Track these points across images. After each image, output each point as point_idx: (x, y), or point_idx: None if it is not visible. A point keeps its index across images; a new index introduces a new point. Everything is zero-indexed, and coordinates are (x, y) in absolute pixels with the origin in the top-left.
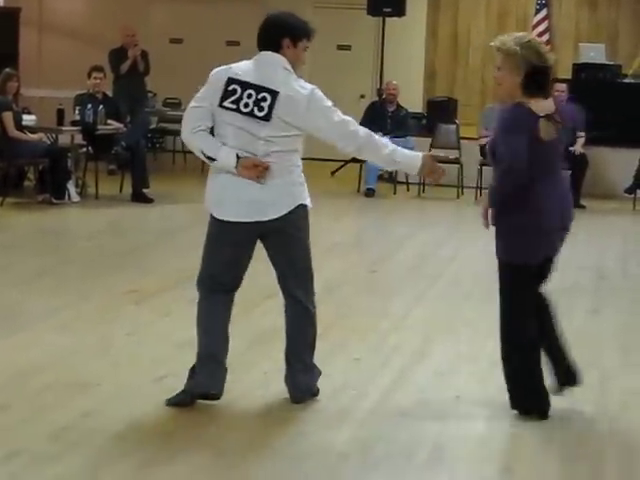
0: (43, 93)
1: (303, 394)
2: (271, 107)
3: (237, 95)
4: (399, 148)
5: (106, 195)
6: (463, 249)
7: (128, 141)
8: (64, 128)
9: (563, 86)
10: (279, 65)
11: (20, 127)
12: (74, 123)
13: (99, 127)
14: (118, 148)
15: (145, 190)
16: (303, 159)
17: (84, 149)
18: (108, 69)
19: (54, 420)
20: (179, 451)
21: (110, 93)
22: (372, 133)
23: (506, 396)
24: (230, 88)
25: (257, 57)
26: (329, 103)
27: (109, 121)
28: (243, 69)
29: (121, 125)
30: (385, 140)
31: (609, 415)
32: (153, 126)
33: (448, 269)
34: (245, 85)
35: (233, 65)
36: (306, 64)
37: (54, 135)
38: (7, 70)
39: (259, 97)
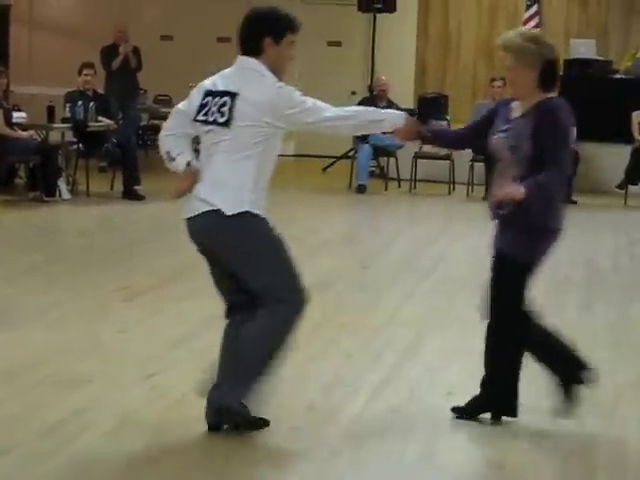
0: (34, 90)
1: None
2: (231, 110)
3: (208, 106)
4: (378, 110)
5: (97, 192)
6: (454, 245)
7: (119, 138)
8: (55, 125)
9: None
10: (250, 68)
11: (10, 124)
12: (65, 120)
13: (90, 124)
14: (109, 145)
15: (136, 187)
16: (294, 156)
17: (75, 146)
18: (99, 66)
19: (45, 417)
20: (169, 448)
21: (102, 90)
22: (346, 108)
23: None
24: (204, 101)
25: (236, 63)
26: (297, 99)
27: (100, 118)
28: (220, 78)
29: (112, 122)
30: (361, 108)
31: (601, 409)
32: (144, 123)
33: (440, 265)
34: (214, 94)
35: (217, 75)
36: (296, 59)
37: (45, 132)
38: None
39: (221, 102)
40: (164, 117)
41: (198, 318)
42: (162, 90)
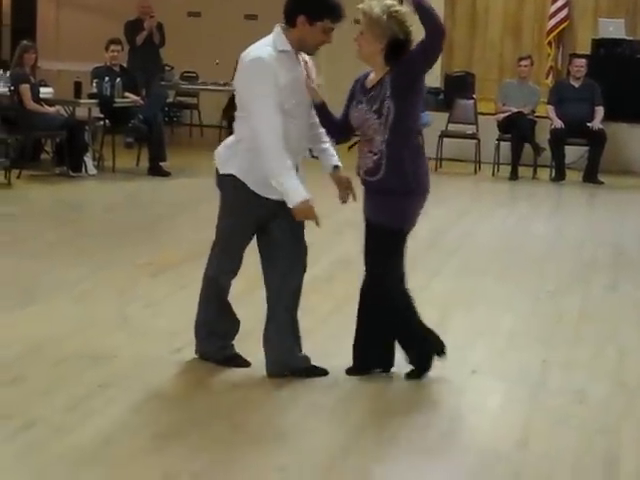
0: (61, 66)
1: None
2: (235, 69)
3: None
4: (291, 175)
5: (123, 168)
6: (480, 224)
7: (145, 114)
8: (81, 101)
9: (582, 61)
10: (271, 34)
11: (37, 100)
12: (91, 96)
13: (116, 100)
14: (135, 121)
15: (162, 163)
16: None
17: (101, 122)
18: (125, 41)
19: (71, 391)
20: (195, 423)
21: (126, 65)
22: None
23: (523, 370)
24: None
25: None
26: (254, 81)
27: (126, 94)
28: None
29: (138, 98)
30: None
31: (626, 389)
32: (170, 100)
33: (465, 244)
34: None
35: None
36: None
37: (71, 108)
38: (24, 42)
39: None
40: (190, 94)
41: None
42: (189, 67)
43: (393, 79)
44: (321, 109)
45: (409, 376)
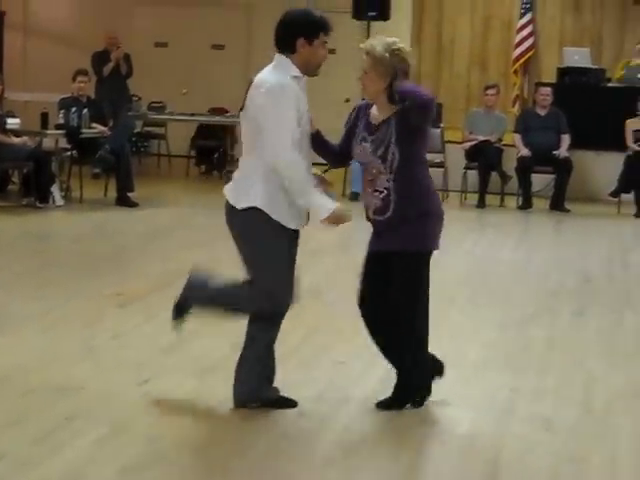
0: (27, 97)
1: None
2: (245, 97)
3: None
4: (318, 194)
5: (91, 199)
6: (447, 252)
7: (113, 145)
8: (48, 132)
9: (548, 90)
10: (276, 63)
11: (4, 130)
12: (58, 127)
13: (83, 131)
14: (102, 152)
15: (130, 194)
16: None
17: (68, 153)
18: (92, 72)
19: (38, 423)
20: (162, 456)
21: (93, 96)
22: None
23: (490, 398)
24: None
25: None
26: (280, 106)
27: (93, 124)
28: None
29: (105, 128)
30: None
31: (595, 416)
32: (138, 130)
33: (432, 272)
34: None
35: None
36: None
37: (38, 138)
38: None
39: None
40: (158, 124)
41: (191, 324)
42: (156, 97)
43: (398, 123)
44: (317, 137)
45: (383, 405)
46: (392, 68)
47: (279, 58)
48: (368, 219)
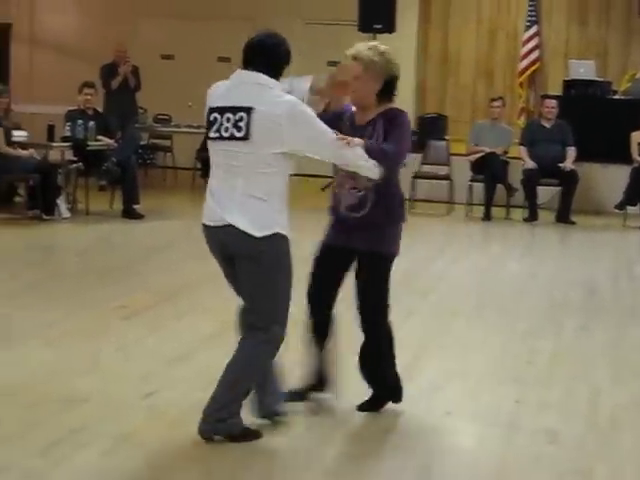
0: (34, 109)
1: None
2: (248, 125)
3: (218, 123)
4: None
5: (96, 211)
6: (453, 265)
7: (119, 157)
8: (54, 144)
9: (553, 102)
10: (253, 82)
11: (11, 143)
12: (65, 139)
13: (90, 143)
14: (109, 164)
15: (135, 206)
16: (292, 175)
17: (74, 165)
18: (99, 85)
19: (43, 436)
20: (167, 468)
21: (101, 109)
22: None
23: (495, 411)
24: (211, 118)
25: (232, 76)
26: (313, 119)
27: (99, 137)
28: (218, 93)
29: (112, 141)
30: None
31: (599, 429)
32: (144, 142)
33: (438, 285)
34: (222, 110)
35: (210, 91)
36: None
37: (45, 151)
38: None
39: (236, 118)
40: (164, 136)
41: (196, 336)
42: (162, 109)
43: (383, 124)
44: None
45: (364, 407)
46: (383, 70)
47: (273, 81)
48: (334, 213)
